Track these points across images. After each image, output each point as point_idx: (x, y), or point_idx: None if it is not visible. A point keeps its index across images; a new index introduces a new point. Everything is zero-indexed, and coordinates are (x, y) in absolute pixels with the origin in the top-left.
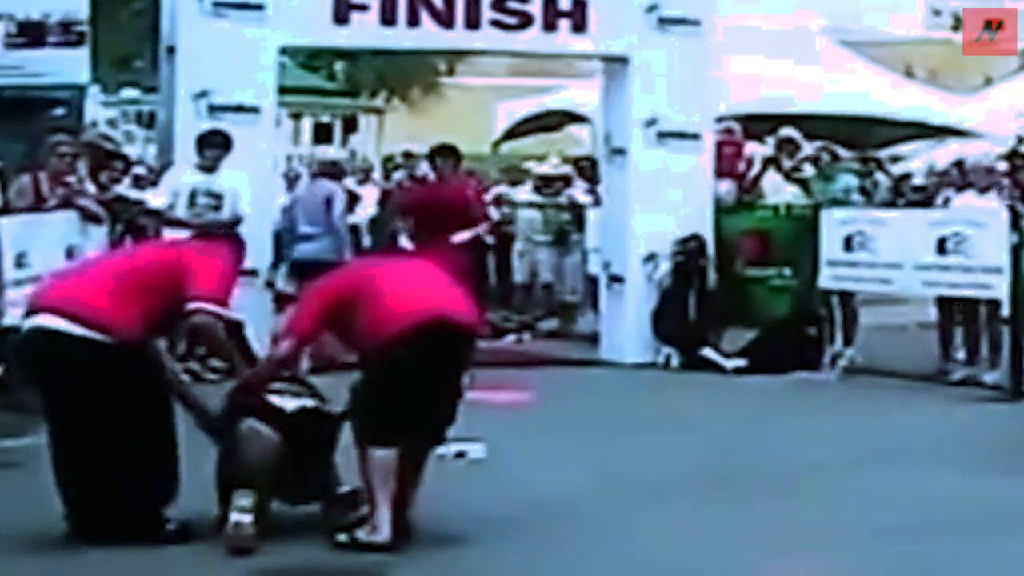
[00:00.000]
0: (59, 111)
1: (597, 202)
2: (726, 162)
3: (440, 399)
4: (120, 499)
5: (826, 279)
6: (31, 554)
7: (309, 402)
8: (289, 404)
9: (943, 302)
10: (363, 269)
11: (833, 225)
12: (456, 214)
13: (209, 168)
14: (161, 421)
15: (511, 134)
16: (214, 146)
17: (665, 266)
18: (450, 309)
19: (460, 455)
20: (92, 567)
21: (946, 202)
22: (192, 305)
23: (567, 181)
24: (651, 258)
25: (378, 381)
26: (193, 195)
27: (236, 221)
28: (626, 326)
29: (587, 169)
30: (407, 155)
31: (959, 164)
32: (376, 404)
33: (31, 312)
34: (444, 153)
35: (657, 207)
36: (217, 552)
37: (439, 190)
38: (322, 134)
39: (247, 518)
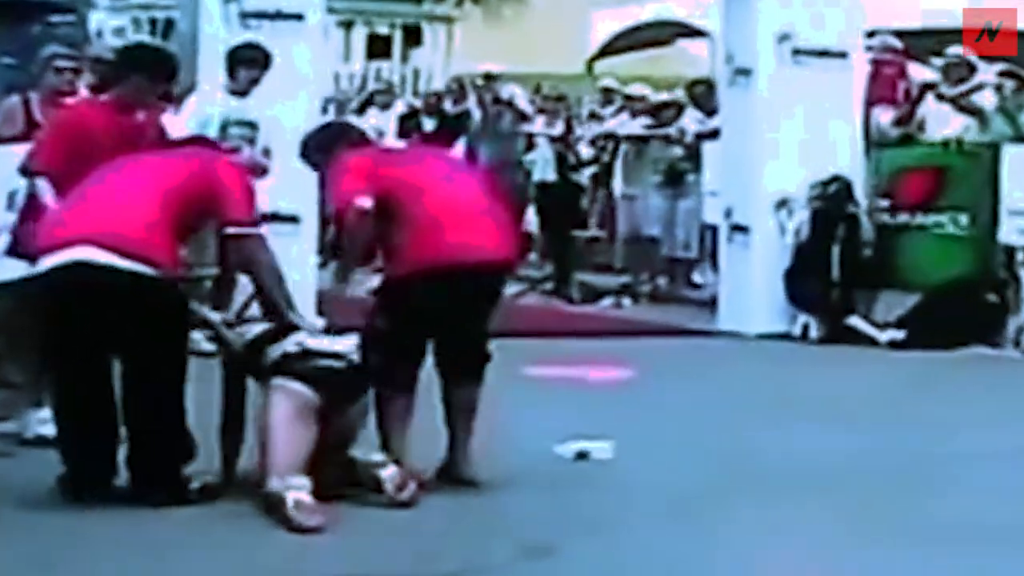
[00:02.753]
0: (58, 17)
1: (706, 136)
2: (885, 87)
3: (462, 341)
4: (147, 454)
5: (1008, 232)
6: (59, 530)
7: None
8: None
9: None
10: (420, 176)
11: (1017, 167)
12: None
13: (242, 92)
14: (184, 364)
15: (609, 50)
16: (249, 64)
17: (802, 214)
18: (478, 247)
19: (582, 456)
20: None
21: None
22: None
23: (679, 109)
24: (783, 204)
25: (394, 322)
26: (224, 126)
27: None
28: (752, 288)
29: (702, 95)
30: (488, 77)
31: None
32: (390, 348)
33: (55, 247)
34: (137, 62)
35: (791, 142)
36: (302, 563)
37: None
38: (378, 48)
39: (302, 494)
